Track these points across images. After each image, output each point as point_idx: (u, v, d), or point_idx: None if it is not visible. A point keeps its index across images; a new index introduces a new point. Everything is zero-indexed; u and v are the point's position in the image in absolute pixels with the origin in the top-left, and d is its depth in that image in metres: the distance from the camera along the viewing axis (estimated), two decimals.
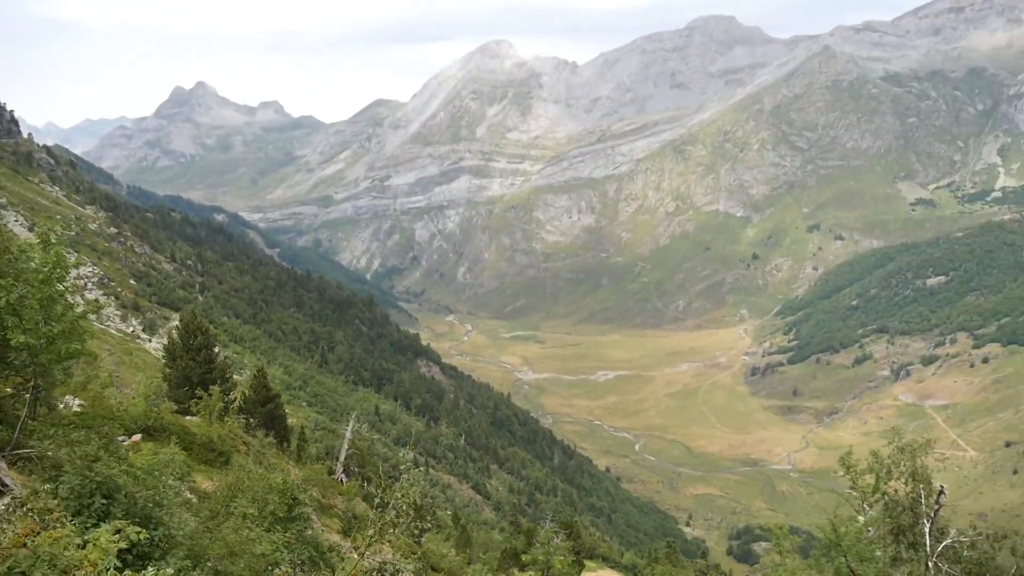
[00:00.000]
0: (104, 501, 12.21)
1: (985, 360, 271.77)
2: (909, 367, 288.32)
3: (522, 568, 40.00)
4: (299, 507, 19.07)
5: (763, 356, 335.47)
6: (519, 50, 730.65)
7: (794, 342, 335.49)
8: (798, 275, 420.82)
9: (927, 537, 27.44)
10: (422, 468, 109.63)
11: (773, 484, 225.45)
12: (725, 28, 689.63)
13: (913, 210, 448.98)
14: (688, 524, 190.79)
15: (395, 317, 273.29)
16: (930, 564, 26.77)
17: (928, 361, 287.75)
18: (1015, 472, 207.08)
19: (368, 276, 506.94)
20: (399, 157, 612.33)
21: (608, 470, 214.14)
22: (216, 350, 43.66)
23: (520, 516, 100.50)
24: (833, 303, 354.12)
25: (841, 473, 30.02)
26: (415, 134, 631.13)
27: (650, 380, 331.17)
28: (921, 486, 28.80)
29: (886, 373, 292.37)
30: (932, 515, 27.91)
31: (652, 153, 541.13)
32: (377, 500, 15.81)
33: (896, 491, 29.33)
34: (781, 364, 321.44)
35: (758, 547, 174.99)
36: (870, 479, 29.72)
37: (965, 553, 27.32)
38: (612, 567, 69.18)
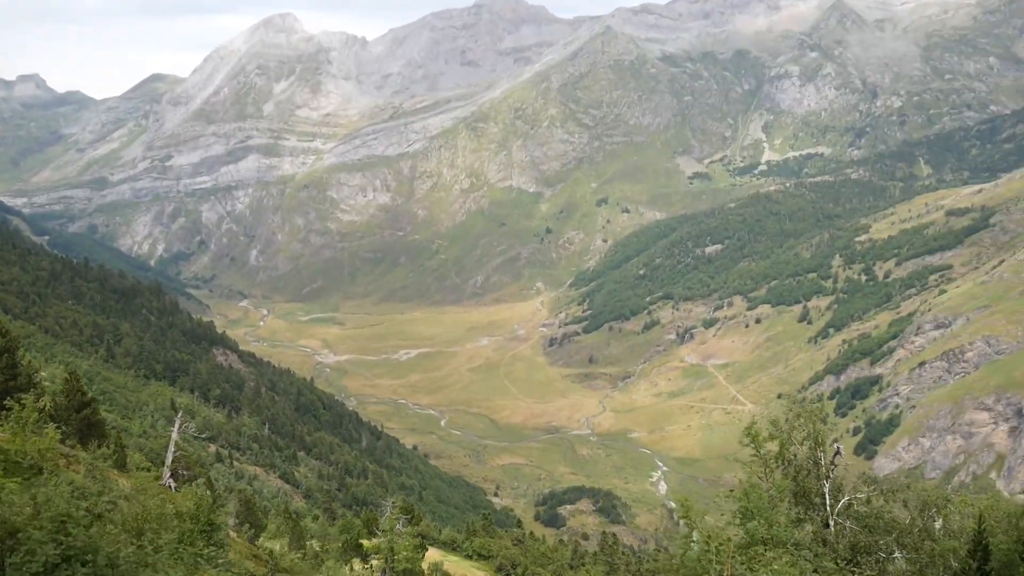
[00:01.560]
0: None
1: (758, 320, 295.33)
2: (693, 330, 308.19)
3: (365, 557, 39.34)
4: (218, 532, 17.01)
5: (560, 327, 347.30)
6: (306, 24, 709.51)
7: (588, 312, 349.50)
8: (589, 247, 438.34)
9: (827, 497, 29.09)
10: (226, 462, 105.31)
11: (574, 449, 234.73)
12: (512, 7, 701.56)
13: (691, 183, 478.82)
14: (496, 494, 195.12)
15: (185, 305, 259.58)
16: (831, 522, 28.40)
17: (709, 324, 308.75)
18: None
19: (152, 263, 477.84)
20: (181, 135, 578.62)
21: (416, 448, 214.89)
22: (19, 354, 39.31)
23: (333, 503, 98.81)
24: (622, 273, 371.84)
25: (746, 442, 31.03)
26: (197, 111, 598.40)
27: (452, 356, 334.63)
28: (820, 449, 30.37)
29: (672, 337, 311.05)
30: (829, 475, 29.59)
31: (445, 130, 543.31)
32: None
33: (795, 456, 30.71)
34: (577, 333, 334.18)
35: (563, 510, 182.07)
36: (773, 446, 30.90)
37: (861, 509, 29.09)
38: (431, 544, 69.47)
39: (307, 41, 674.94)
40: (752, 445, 30.57)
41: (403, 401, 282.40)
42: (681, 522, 28.65)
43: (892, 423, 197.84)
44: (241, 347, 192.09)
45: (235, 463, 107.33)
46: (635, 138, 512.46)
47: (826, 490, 29.26)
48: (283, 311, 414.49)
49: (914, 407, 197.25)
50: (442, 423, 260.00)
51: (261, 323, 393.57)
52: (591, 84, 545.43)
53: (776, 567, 22.77)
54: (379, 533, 38.17)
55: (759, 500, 26.24)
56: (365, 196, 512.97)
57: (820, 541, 27.50)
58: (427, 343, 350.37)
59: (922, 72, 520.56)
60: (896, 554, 27.27)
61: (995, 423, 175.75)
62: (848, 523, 28.40)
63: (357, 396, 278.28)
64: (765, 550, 24.31)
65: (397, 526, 38.41)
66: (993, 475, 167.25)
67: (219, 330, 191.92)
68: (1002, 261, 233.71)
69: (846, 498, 29.24)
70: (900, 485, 31.35)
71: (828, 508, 28.88)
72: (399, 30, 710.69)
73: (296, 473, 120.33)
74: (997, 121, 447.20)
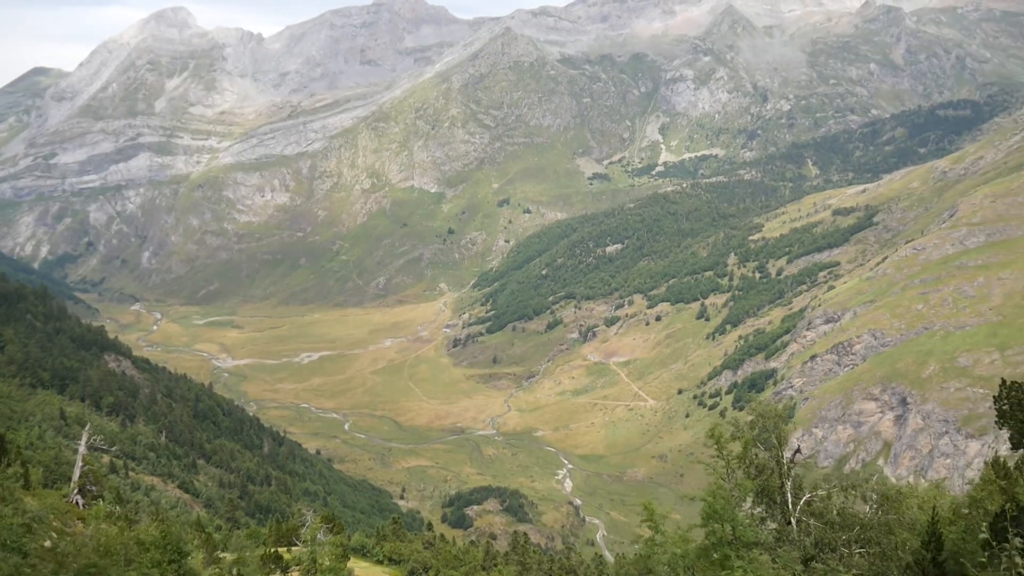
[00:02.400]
0: None
1: (658, 318, 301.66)
2: (595, 329, 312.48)
3: (285, 569, 38.19)
4: (186, 561, 15.67)
5: (463, 327, 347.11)
6: (200, 19, 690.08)
7: (491, 312, 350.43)
8: (492, 248, 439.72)
9: (788, 495, 29.28)
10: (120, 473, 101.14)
11: (480, 449, 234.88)
12: (412, 7, 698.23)
13: (591, 184, 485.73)
14: (403, 497, 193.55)
15: (73, 309, 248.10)
16: (792, 520, 28.57)
17: (610, 322, 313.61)
18: (687, 415, 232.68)
19: (36, 265, 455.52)
20: (66, 132, 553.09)
21: (319, 452, 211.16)
22: None
23: (236, 511, 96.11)
24: (525, 273, 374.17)
25: (710, 444, 30.92)
26: (84, 107, 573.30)
27: (355, 358, 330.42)
28: (783, 450, 30.54)
29: (575, 336, 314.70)
30: (789, 473, 29.77)
31: (345, 130, 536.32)
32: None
33: (757, 455, 30.76)
34: (481, 334, 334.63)
35: (471, 511, 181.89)
36: (735, 447, 30.86)
37: (821, 505, 29.29)
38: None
39: (201, 36, 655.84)
40: (715, 446, 30.70)
41: (305, 405, 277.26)
42: (644, 525, 28.45)
43: (787, 415, 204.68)
44: (134, 353, 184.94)
45: (131, 474, 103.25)
46: (536, 139, 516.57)
47: (788, 489, 29.59)
48: (178, 315, 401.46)
49: (807, 399, 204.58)
50: (346, 426, 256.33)
51: (155, 327, 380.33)
52: (492, 85, 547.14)
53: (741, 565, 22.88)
54: (302, 544, 37.21)
55: (724, 501, 26.32)
56: (263, 196, 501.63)
57: (786, 539, 27.78)
58: (329, 346, 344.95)
59: (808, 77, 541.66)
60: (858, 549, 27.71)
61: (882, 412, 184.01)
62: (812, 521, 28.74)
63: (258, 401, 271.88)
64: (732, 552, 24.39)
65: (319, 536, 37.53)
66: (881, 462, 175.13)
67: (110, 335, 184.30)
68: (885, 258, 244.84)
69: (807, 495, 29.62)
70: (859, 480, 31.89)
71: (790, 506, 29.20)
72: (297, 27, 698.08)
73: (196, 482, 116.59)
74: (878, 124, 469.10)
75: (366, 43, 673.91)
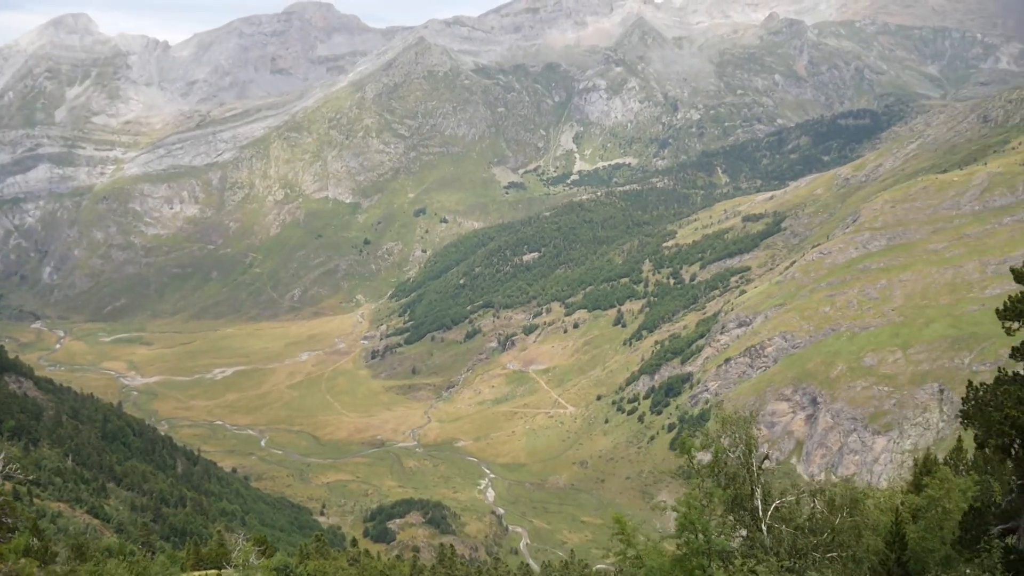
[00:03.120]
0: None
1: (576, 325, 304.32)
2: (513, 337, 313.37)
3: None
4: None
5: (381, 339, 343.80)
6: (102, 26, 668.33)
7: (409, 323, 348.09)
8: (409, 258, 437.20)
9: (758, 502, 29.16)
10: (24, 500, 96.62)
11: (401, 461, 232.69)
12: (324, 15, 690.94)
13: (507, 193, 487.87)
14: (323, 513, 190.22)
15: None
16: (763, 527, 28.45)
17: (529, 330, 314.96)
18: (606, 421, 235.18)
19: None
20: None
21: (235, 470, 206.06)
22: None
23: (151, 535, 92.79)
24: (443, 283, 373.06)
25: (678, 453, 30.58)
26: None
27: (271, 373, 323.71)
28: (752, 456, 30.43)
29: (494, 344, 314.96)
30: (759, 480, 29.63)
31: (256, 140, 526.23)
32: None
33: (727, 463, 30.57)
34: (399, 345, 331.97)
35: (393, 525, 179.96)
36: (705, 456, 30.62)
37: (792, 511, 29.15)
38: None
39: (103, 44, 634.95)
40: (685, 456, 30.57)
41: (220, 422, 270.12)
42: (616, 539, 28.10)
43: (703, 418, 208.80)
44: (36, 373, 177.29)
45: (35, 501, 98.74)
46: (451, 148, 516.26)
47: (758, 496, 29.65)
48: (82, 332, 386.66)
49: (722, 401, 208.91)
50: (262, 443, 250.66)
51: (58, 346, 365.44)
52: (406, 94, 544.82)
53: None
54: (236, 568, 35.97)
55: (697, 512, 26.23)
56: (172, 208, 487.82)
57: (760, 547, 27.79)
58: (243, 360, 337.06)
59: (717, 87, 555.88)
60: (830, 554, 27.89)
61: (794, 412, 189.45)
62: (784, 527, 28.79)
63: (169, 420, 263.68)
64: (707, 562, 24.26)
65: (251, 559, 36.36)
66: (794, 460, 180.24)
67: (10, 355, 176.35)
68: (793, 262, 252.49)
69: (777, 501, 29.72)
70: (825, 485, 32.06)
71: (760, 513, 29.24)
72: (205, 35, 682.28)
73: (106, 507, 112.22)
74: (784, 133, 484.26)
75: (277, 52, 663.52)
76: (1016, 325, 29.29)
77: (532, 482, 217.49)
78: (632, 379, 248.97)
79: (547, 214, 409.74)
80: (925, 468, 36.73)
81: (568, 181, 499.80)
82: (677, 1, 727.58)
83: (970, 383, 31.49)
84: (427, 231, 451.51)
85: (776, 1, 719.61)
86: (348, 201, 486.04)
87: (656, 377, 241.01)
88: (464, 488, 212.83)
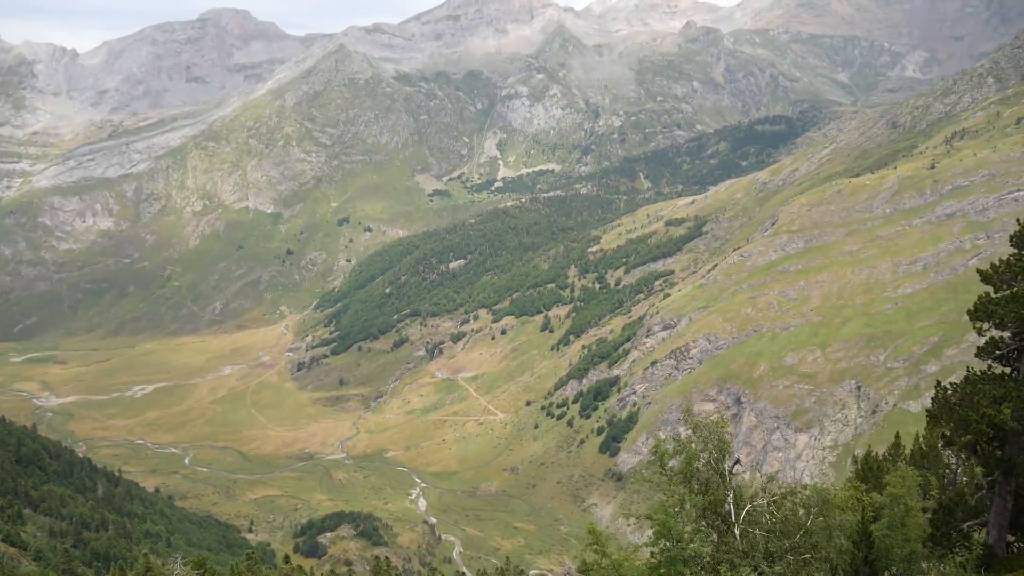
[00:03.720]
0: None
1: (503, 332, 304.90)
2: (441, 345, 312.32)
3: None
4: None
5: (307, 350, 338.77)
6: (3, 33, 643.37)
7: (336, 333, 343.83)
8: (333, 268, 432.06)
9: (731, 507, 29.01)
10: None
11: (330, 474, 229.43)
12: (240, 22, 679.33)
13: (431, 200, 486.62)
14: (251, 530, 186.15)
15: None
16: (737, 531, 28.27)
17: (457, 338, 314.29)
18: (536, 427, 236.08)
19: None
20: None
21: (158, 490, 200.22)
22: None
23: (72, 561, 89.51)
24: (368, 292, 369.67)
25: (653, 459, 30.29)
26: None
27: (193, 388, 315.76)
28: (725, 460, 30.26)
29: (422, 353, 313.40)
30: (731, 484, 29.46)
31: (173, 150, 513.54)
32: None
33: (698, 469, 30.33)
34: (325, 356, 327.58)
35: (324, 539, 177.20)
36: (675, 462, 30.34)
37: (764, 514, 28.93)
38: None
39: (6, 52, 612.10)
40: (659, 463, 30.38)
41: (141, 441, 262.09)
42: (588, 550, 27.91)
43: (631, 420, 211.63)
44: None
45: None
46: (374, 156, 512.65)
47: (730, 500, 29.65)
48: None
49: (650, 403, 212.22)
50: (186, 461, 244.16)
51: None
52: (327, 102, 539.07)
53: None
54: None
55: (673, 519, 26.11)
56: (84, 221, 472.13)
57: (734, 552, 27.72)
58: (164, 377, 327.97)
59: (637, 94, 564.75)
60: (803, 555, 27.94)
61: (719, 412, 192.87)
62: (757, 530, 28.76)
63: (87, 441, 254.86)
64: (685, 569, 24.16)
65: None
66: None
67: None
68: (715, 265, 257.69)
69: (748, 505, 29.70)
70: (795, 487, 32.01)
71: (733, 517, 29.23)
72: (115, 43, 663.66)
73: (23, 533, 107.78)
74: (703, 139, 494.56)
75: (192, 59, 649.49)
76: (986, 325, 30.15)
77: (464, 490, 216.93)
78: (560, 384, 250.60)
79: (472, 221, 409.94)
80: (867, 465, 37.78)
81: (492, 188, 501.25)
82: (597, 9, 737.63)
83: (938, 383, 32.45)
84: (351, 240, 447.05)
85: (693, 9, 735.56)
86: (270, 211, 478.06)
87: (584, 381, 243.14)
88: (395, 498, 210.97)
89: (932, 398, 32.01)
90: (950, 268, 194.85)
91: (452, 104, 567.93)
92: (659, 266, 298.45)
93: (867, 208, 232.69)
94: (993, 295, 29.79)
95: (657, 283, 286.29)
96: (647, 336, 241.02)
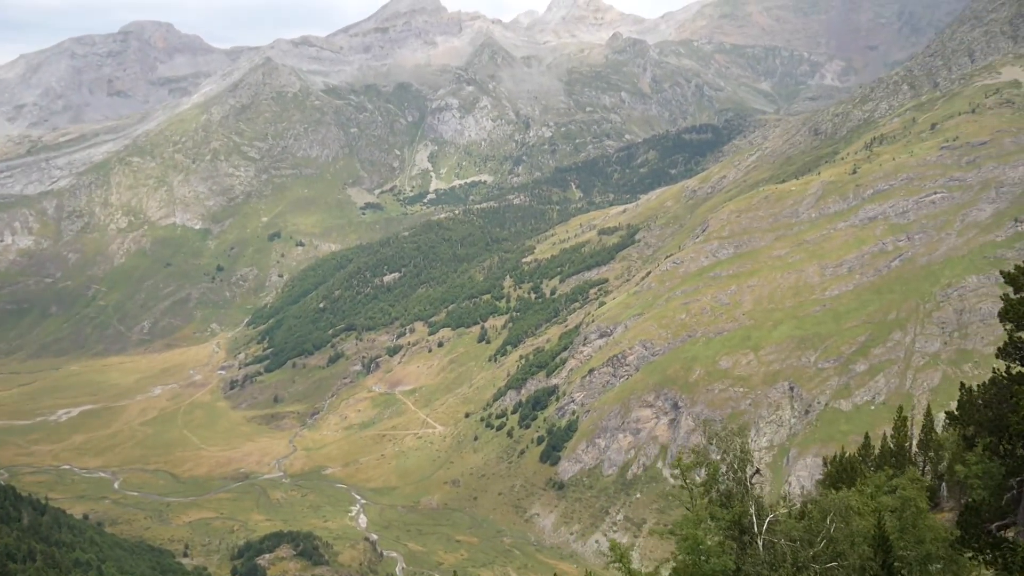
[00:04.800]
0: None
1: (440, 344, 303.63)
2: (378, 359, 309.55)
3: None
4: None
5: (240, 368, 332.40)
6: None
7: (269, 350, 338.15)
8: (265, 283, 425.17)
9: (753, 517, 28.59)
10: None
11: (267, 494, 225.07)
12: (163, 35, 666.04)
13: (363, 214, 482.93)
14: (187, 555, 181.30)
15: None
16: (760, 543, 27.85)
17: (393, 352, 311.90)
18: (476, 438, 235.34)
19: None
20: None
21: (87, 517, 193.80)
22: None
23: None
24: (302, 308, 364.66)
25: (676, 473, 29.78)
26: None
27: (121, 411, 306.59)
28: (748, 469, 29.83)
29: (358, 368, 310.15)
30: (752, 495, 29.02)
31: (95, 165, 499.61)
32: None
33: (719, 480, 29.82)
34: (259, 373, 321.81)
35: (262, 560, 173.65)
36: (698, 475, 29.86)
37: (787, 524, 28.46)
38: None
39: None
40: (680, 476, 29.92)
41: (67, 466, 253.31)
42: (613, 567, 27.44)
43: (571, 429, 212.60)
44: None
45: None
46: (304, 170, 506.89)
47: (752, 511, 29.34)
48: None
49: (588, 411, 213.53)
50: (116, 485, 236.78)
51: None
52: (255, 116, 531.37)
53: None
54: None
55: (696, 533, 25.73)
56: (2, 241, 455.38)
57: (762, 564, 27.35)
58: (91, 399, 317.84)
59: (567, 105, 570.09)
60: (831, 563, 27.70)
61: (657, 417, 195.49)
62: (782, 541, 28.41)
63: (10, 468, 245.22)
64: None
65: None
66: (660, 464, 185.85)
67: None
68: (649, 272, 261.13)
69: (771, 516, 29.36)
70: (813, 496, 31.54)
71: (755, 528, 28.92)
72: (33, 56, 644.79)
73: None
74: (632, 148, 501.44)
75: (114, 73, 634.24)
76: (1011, 327, 29.83)
77: (405, 505, 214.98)
78: (499, 395, 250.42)
79: (406, 234, 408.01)
80: (841, 466, 38.31)
81: (425, 200, 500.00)
82: (524, 21, 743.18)
83: (962, 385, 32.76)
84: (283, 255, 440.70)
85: (619, 21, 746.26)
86: (198, 227, 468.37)
87: (523, 391, 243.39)
88: (335, 516, 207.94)
89: (958, 401, 32.06)
90: (874, 269, 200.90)
91: (383, 117, 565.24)
92: (593, 275, 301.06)
93: (794, 213, 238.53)
94: (1012, 296, 29.48)
95: (592, 291, 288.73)
96: (584, 344, 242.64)
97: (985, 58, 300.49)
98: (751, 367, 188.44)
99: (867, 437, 44.60)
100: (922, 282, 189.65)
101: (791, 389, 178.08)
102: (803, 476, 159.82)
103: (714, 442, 31.78)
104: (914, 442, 39.94)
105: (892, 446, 38.28)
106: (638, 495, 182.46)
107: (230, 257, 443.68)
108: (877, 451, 40.47)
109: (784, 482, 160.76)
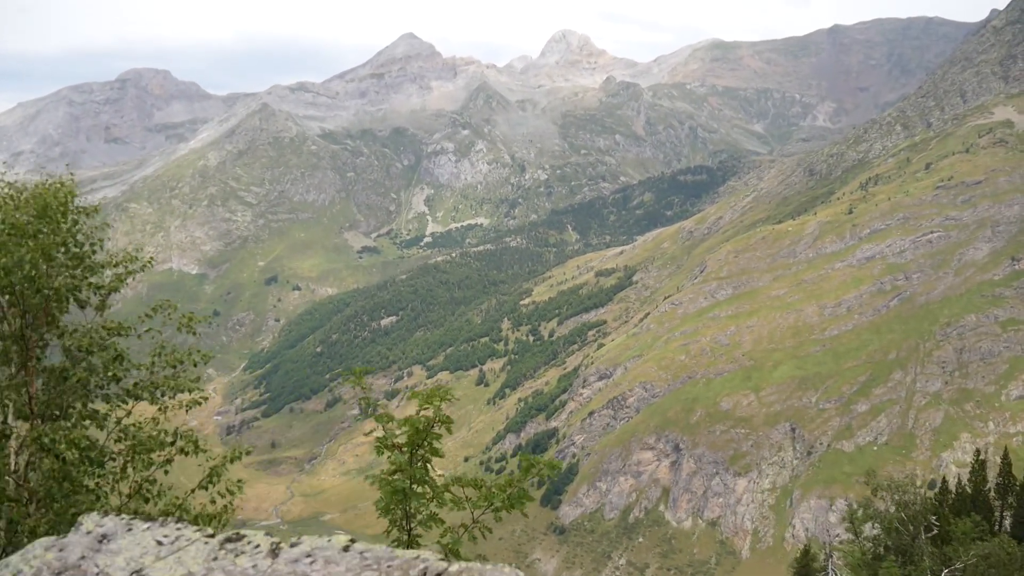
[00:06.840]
0: None
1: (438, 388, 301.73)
2: (376, 403, 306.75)
3: None
4: None
5: (237, 413, 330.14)
6: None
7: (266, 395, 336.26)
8: (261, 328, 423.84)
9: (925, 554, 27.41)
10: None
11: None
12: (160, 82, 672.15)
13: (360, 257, 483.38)
14: None
15: None
16: None
17: (391, 395, 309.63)
18: None
19: None
20: None
21: None
22: None
23: None
24: (299, 352, 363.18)
25: (847, 527, 28.92)
26: None
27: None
28: (923, 525, 28.75)
29: (356, 412, 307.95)
30: (926, 551, 27.98)
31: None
32: None
33: (891, 535, 28.76)
34: (256, 419, 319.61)
35: None
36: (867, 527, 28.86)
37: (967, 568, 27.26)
38: None
39: None
40: (851, 528, 28.83)
41: None
42: None
43: (571, 472, 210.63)
44: None
45: None
46: (301, 215, 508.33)
47: (927, 567, 28.05)
48: None
49: (589, 454, 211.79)
50: None
51: None
52: (251, 161, 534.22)
53: None
54: None
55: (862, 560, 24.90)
56: None
57: None
58: None
59: (562, 148, 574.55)
60: None
61: (658, 460, 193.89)
62: None
63: None
64: None
65: None
66: (662, 507, 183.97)
67: None
68: (647, 314, 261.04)
69: (959, 564, 27.97)
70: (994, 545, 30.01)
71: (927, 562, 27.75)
72: (30, 104, 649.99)
73: None
74: (628, 190, 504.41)
75: (111, 120, 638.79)
76: None
77: None
78: (498, 438, 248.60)
79: (403, 277, 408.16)
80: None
81: (422, 243, 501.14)
82: (519, 65, 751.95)
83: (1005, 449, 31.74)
84: (280, 299, 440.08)
85: (612, 65, 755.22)
86: (194, 272, 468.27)
87: (522, 434, 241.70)
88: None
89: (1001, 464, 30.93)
90: (873, 309, 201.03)
91: (379, 161, 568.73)
92: (591, 316, 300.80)
93: (791, 253, 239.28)
94: None
95: (590, 333, 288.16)
96: (583, 387, 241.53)
97: (977, 98, 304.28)
98: (752, 408, 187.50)
99: (944, 480, 43.72)
100: (921, 321, 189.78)
101: (792, 430, 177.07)
102: (807, 518, 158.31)
103: (880, 495, 30.04)
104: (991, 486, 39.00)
105: (969, 490, 37.56)
106: (640, 539, 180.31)
107: (227, 302, 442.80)
108: (953, 495, 39.67)
109: (788, 524, 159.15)
